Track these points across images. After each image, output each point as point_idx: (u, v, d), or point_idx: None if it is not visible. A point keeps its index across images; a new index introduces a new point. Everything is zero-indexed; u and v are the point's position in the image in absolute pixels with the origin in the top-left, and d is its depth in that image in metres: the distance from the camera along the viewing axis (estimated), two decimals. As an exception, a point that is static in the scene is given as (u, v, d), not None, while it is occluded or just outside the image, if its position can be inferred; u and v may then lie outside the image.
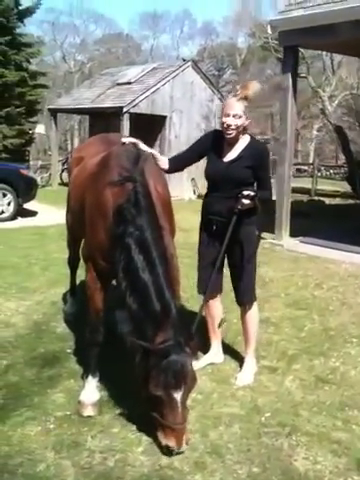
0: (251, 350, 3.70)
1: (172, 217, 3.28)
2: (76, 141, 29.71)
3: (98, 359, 3.25)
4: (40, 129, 18.24)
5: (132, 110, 14.38)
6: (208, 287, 3.35)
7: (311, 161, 28.94)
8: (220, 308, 3.77)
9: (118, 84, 16.16)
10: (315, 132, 33.61)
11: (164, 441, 2.71)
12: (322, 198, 15.05)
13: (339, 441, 2.91)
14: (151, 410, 2.71)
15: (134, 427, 2.93)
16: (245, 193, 3.24)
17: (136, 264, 2.74)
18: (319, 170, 22.55)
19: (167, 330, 2.65)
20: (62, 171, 17.42)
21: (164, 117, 15.17)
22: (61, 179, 17.20)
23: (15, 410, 3.13)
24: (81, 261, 4.55)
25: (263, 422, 3.08)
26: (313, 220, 9.74)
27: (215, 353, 3.82)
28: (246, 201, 3.24)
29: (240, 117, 3.26)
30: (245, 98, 3.26)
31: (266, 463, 2.71)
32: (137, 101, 14.52)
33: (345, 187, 17.01)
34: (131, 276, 2.76)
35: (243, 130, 3.35)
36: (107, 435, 2.91)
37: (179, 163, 3.57)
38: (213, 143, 3.45)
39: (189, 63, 15.87)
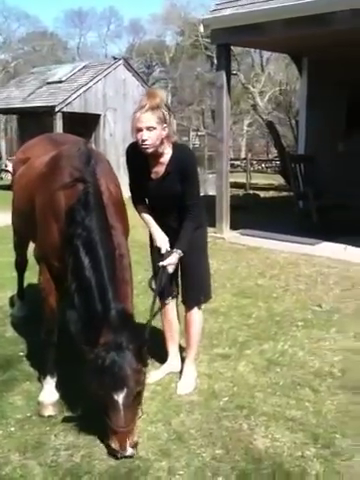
0: (191, 356, 3.53)
1: (125, 216, 3.25)
2: (2, 143, 28.72)
3: (55, 358, 3.25)
4: None
5: (65, 109, 14.19)
6: (160, 292, 3.25)
7: (243, 156, 29.60)
8: (175, 312, 3.62)
9: (48, 83, 15.86)
10: (246, 127, 34.41)
11: (110, 443, 2.70)
12: (257, 191, 15.47)
13: (294, 418, 3.07)
14: (102, 412, 2.69)
15: (97, 422, 2.94)
16: (165, 263, 3.15)
17: (82, 265, 2.75)
18: (252, 164, 23.13)
19: (109, 331, 2.63)
20: None
21: (98, 115, 15.06)
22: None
23: (-27, 416, 3.08)
24: (29, 264, 4.52)
25: (222, 406, 3.19)
26: (251, 213, 10.03)
27: (173, 361, 3.66)
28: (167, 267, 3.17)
29: (154, 128, 2.99)
30: (156, 107, 2.99)
31: (228, 445, 2.82)
32: (70, 100, 14.35)
33: (278, 180, 17.61)
34: (78, 277, 2.78)
35: (165, 140, 3.10)
36: (70, 433, 2.92)
37: (143, 200, 3.38)
38: (138, 159, 3.19)
39: (121, 61, 15.82)
